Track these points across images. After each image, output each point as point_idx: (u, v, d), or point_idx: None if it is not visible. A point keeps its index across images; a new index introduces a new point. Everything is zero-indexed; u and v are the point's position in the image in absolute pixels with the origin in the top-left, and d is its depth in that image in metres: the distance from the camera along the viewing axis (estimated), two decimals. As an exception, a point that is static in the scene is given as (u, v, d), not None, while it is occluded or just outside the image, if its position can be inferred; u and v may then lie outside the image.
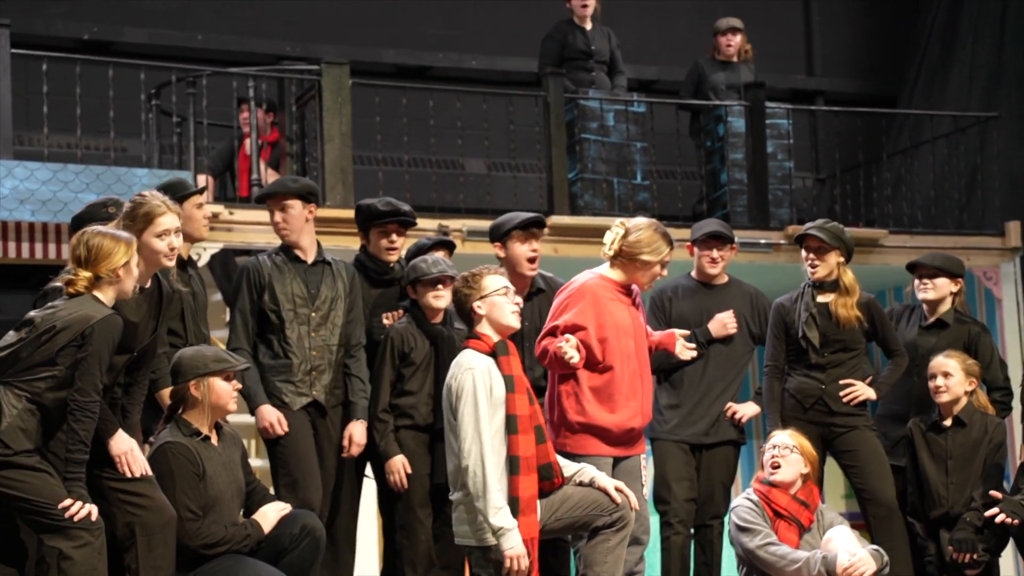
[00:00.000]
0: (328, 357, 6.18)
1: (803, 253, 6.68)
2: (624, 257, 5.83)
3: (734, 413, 6.78)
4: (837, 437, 6.62)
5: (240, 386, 5.59)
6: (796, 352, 6.69)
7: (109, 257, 4.91)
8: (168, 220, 5.29)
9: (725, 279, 6.92)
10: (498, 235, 6.48)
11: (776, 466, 6.18)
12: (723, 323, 6.72)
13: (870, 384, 6.67)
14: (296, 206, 6.25)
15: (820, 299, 6.65)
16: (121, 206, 5.61)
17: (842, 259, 6.64)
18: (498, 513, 5.13)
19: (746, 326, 6.84)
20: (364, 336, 6.33)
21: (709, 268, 6.83)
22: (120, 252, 4.93)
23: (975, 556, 6.41)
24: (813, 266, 6.62)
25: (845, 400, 6.61)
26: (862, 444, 6.61)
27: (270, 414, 6.07)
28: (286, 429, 6.06)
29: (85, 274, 4.90)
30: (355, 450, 6.20)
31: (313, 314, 6.16)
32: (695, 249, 6.87)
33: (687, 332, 6.15)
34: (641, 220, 5.94)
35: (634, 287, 5.94)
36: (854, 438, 6.61)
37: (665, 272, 5.89)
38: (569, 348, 5.63)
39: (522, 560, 5.14)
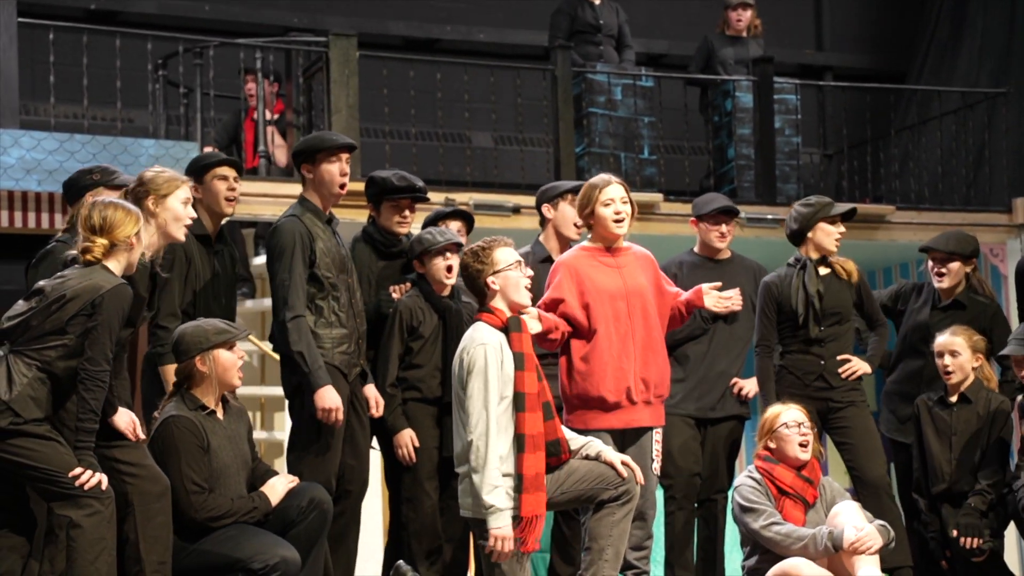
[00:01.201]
0: (365, 323, 6.05)
1: (840, 229, 6.65)
2: (589, 221, 5.85)
3: (740, 388, 6.79)
4: (834, 412, 6.63)
5: (244, 355, 5.58)
6: (791, 328, 6.67)
7: (123, 225, 4.93)
8: (187, 190, 5.37)
9: (728, 254, 6.95)
10: (550, 196, 6.54)
11: (805, 445, 6.17)
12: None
13: (863, 359, 6.69)
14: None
15: (823, 271, 6.67)
16: (108, 172, 5.63)
17: None
18: (493, 491, 5.12)
19: (749, 300, 6.80)
20: None
21: (718, 243, 6.84)
22: (131, 222, 4.96)
23: (981, 542, 6.42)
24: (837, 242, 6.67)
25: (844, 376, 6.62)
26: (856, 421, 6.62)
27: (335, 400, 5.76)
28: (341, 420, 5.82)
29: (102, 241, 4.91)
30: (382, 410, 6.12)
31: (349, 279, 5.99)
32: (702, 224, 6.86)
33: (718, 284, 5.99)
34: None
35: (634, 248, 5.88)
36: (850, 414, 6.62)
37: (617, 210, 5.73)
38: (530, 320, 5.52)
39: (507, 542, 5.13)
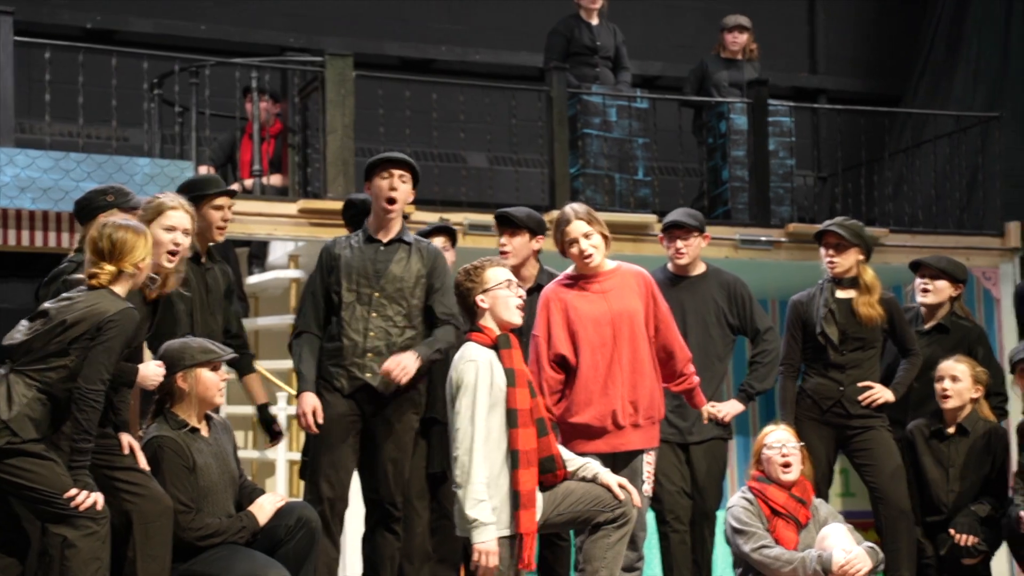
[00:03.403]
0: (388, 339, 5.99)
1: (821, 250, 6.66)
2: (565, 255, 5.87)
3: (716, 413, 6.48)
4: (853, 437, 6.61)
5: (228, 377, 5.58)
6: (814, 350, 6.65)
7: (133, 251, 4.93)
8: (178, 216, 5.32)
9: (702, 269, 6.72)
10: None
11: (787, 465, 6.16)
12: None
13: (887, 386, 6.65)
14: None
15: (840, 295, 6.63)
16: (123, 194, 5.63)
17: (861, 257, 6.64)
18: (476, 505, 5.09)
19: (723, 317, 6.63)
20: (455, 306, 5.92)
21: (675, 259, 6.65)
22: (141, 246, 4.96)
23: (975, 542, 6.42)
24: (832, 263, 6.61)
25: (864, 403, 6.59)
26: (878, 444, 6.59)
27: (307, 403, 5.90)
28: (319, 423, 5.86)
29: (109, 268, 4.91)
30: (399, 375, 5.82)
31: (376, 294, 5.98)
32: (664, 240, 6.77)
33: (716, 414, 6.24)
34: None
35: (623, 268, 5.87)
36: (870, 438, 6.60)
37: (583, 249, 5.73)
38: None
39: (491, 557, 5.08)
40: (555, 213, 9.29)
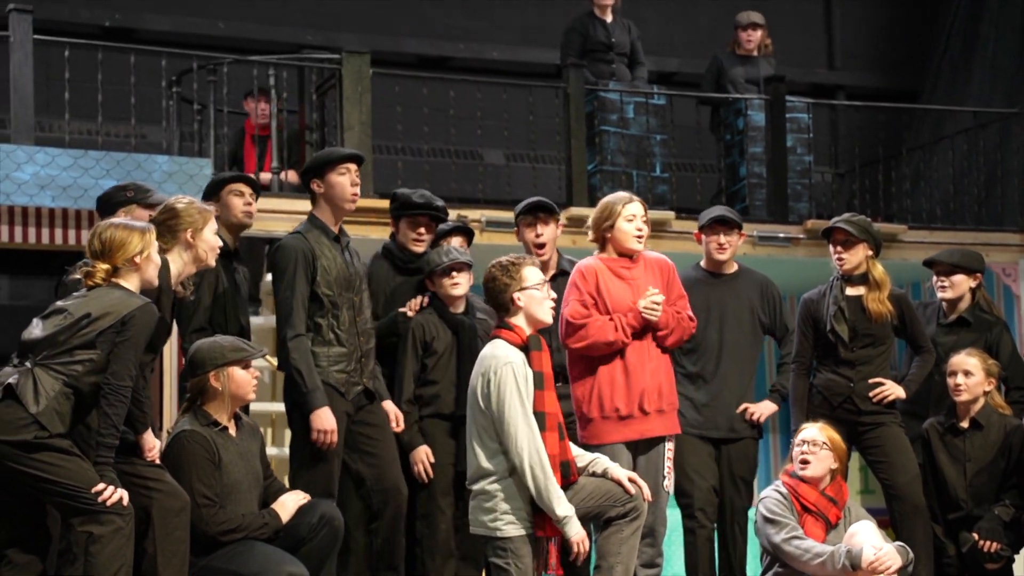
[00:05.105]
0: (372, 342, 6.02)
1: (830, 247, 6.66)
2: (602, 239, 5.97)
3: (752, 414, 6.64)
4: (864, 434, 6.59)
5: (258, 374, 5.59)
6: (824, 347, 6.63)
7: (124, 247, 4.92)
8: (214, 219, 5.38)
9: (734, 268, 6.79)
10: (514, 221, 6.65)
11: (805, 462, 6.14)
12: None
13: (899, 382, 6.64)
14: None
15: (849, 292, 6.62)
16: (142, 190, 5.67)
17: (871, 252, 6.62)
18: (561, 502, 5.15)
19: (756, 316, 6.71)
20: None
21: (717, 254, 6.70)
22: (134, 241, 4.94)
23: (1000, 547, 6.41)
24: (840, 259, 6.60)
25: (875, 400, 6.57)
26: (890, 440, 6.56)
27: (328, 422, 5.72)
28: (336, 442, 5.78)
29: (103, 266, 4.92)
30: (403, 424, 6.14)
31: (355, 297, 5.96)
32: (702, 236, 6.79)
33: (656, 291, 5.96)
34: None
35: (646, 256, 5.96)
36: (882, 434, 6.57)
37: (639, 227, 5.94)
38: (648, 310, 5.77)
39: (586, 543, 5.17)
40: (572, 210, 9.42)
